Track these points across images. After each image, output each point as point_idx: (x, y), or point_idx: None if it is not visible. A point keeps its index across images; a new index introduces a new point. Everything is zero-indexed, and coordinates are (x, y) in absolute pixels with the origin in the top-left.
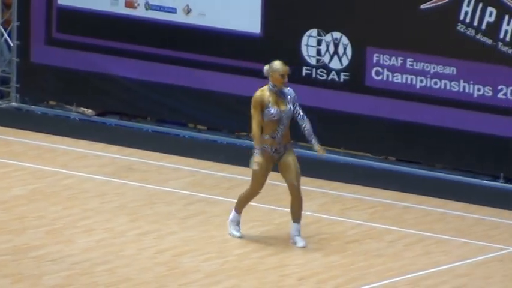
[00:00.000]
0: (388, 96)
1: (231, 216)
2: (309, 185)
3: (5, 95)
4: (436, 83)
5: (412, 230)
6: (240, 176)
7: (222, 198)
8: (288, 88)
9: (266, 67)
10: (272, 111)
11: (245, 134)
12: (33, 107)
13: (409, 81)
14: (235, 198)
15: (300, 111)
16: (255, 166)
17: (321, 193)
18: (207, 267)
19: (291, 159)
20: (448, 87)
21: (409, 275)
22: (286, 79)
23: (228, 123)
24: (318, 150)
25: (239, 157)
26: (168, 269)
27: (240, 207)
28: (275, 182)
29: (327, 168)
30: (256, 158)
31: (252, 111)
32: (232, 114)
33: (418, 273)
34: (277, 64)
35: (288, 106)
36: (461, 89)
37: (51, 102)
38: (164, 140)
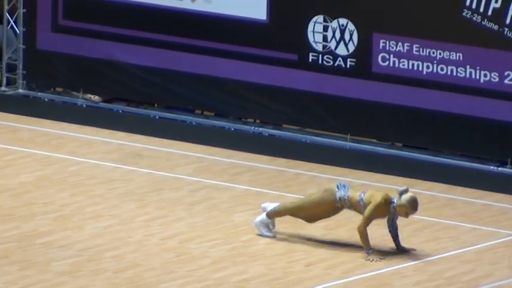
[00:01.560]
0: (394, 82)
1: (260, 218)
2: (316, 171)
3: (12, 82)
4: (442, 69)
5: (420, 215)
6: (247, 162)
7: (229, 184)
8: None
9: (403, 189)
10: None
11: (252, 120)
12: (40, 93)
13: (415, 67)
14: (243, 184)
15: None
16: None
17: (326, 179)
18: (214, 253)
19: None
20: (454, 73)
21: (417, 261)
22: (408, 217)
23: (235, 110)
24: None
25: (246, 143)
26: (176, 255)
27: (275, 216)
28: (283, 168)
29: (334, 155)
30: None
31: (369, 213)
32: (239, 101)
33: (426, 259)
34: (413, 202)
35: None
36: (467, 75)
37: (58, 89)
38: (171, 126)
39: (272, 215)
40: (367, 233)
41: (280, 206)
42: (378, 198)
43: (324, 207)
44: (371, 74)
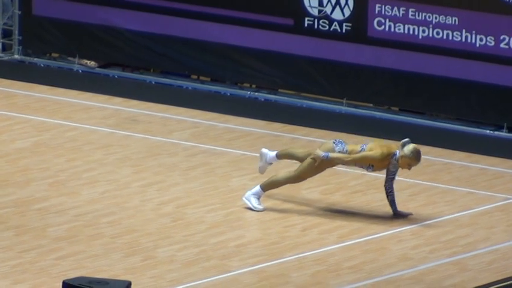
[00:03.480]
0: (390, 47)
1: (253, 190)
2: (314, 136)
3: (8, 48)
4: (438, 33)
5: (416, 180)
6: (243, 127)
7: (225, 149)
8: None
9: (405, 141)
10: (370, 170)
11: (248, 85)
12: (36, 59)
13: (411, 32)
14: (239, 149)
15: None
16: (322, 153)
17: (322, 143)
18: (211, 219)
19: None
20: (450, 37)
21: (413, 225)
22: (410, 169)
23: (231, 75)
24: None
25: (242, 108)
26: (172, 220)
27: (269, 188)
28: (279, 133)
29: (331, 119)
30: (331, 154)
31: (363, 154)
32: (235, 66)
33: (422, 223)
34: (415, 152)
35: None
36: (463, 39)
37: (54, 55)
38: (167, 91)
39: (267, 187)
40: (343, 163)
41: (274, 178)
42: (379, 151)
43: (322, 166)
44: (367, 39)
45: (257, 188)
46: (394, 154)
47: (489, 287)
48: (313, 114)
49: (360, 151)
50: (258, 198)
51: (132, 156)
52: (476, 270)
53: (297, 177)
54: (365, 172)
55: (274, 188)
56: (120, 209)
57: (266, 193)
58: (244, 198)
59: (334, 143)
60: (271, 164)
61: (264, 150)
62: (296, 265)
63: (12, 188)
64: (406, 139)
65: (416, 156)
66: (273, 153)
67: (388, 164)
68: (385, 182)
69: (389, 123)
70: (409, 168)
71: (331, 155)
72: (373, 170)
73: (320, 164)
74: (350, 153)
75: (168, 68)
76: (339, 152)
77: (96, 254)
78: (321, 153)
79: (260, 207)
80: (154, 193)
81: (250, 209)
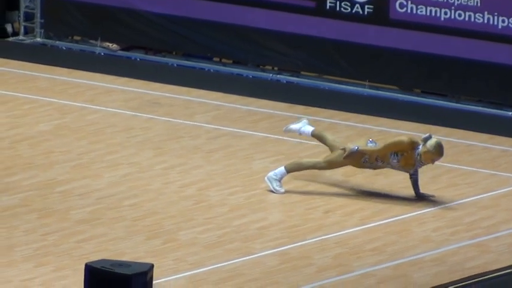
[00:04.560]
0: (412, 29)
1: (276, 171)
2: (335, 118)
3: (30, 31)
4: (460, 15)
5: (438, 162)
6: (265, 109)
7: (247, 132)
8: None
9: (427, 136)
10: (395, 162)
11: (270, 67)
12: (58, 42)
13: (433, 14)
14: (261, 132)
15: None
16: (352, 146)
17: (346, 126)
18: (233, 201)
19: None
20: (472, 19)
21: (435, 207)
22: (433, 163)
23: (253, 57)
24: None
25: (264, 90)
26: (194, 202)
27: (293, 170)
28: (301, 115)
29: (352, 102)
30: (360, 147)
31: (392, 140)
32: (257, 48)
33: (444, 206)
34: (438, 147)
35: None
36: (485, 21)
37: (76, 38)
38: (189, 74)
39: (291, 169)
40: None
41: (299, 161)
42: (404, 138)
43: (349, 160)
44: (389, 21)
45: (281, 168)
46: (418, 147)
47: (511, 269)
48: (335, 97)
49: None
50: (280, 180)
51: (154, 139)
52: (498, 252)
53: (323, 166)
54: None
55: (298, 171)
56: (142, 192)
57: (286, 179)
58: (266, 179)
59: (367, 140)
60: (299, 134)
61: (306, 120)
62: (318, 247)
63: (35, 170)
64: (427, 134)
65: (439, 151)
66: (310, 129)
67: (414, 158)
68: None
69: (411, 105)
70: (432, 163)
71: (361, 147)
72: (399, 163)
73: (348, 156)
74: (378, 146)
75: (190, 50)
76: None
77: (118, 236)
78: (351, 146)
79: (281, 189)
80: (176, 176)
81: (271, 191)
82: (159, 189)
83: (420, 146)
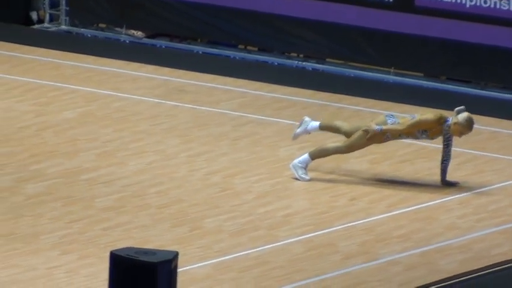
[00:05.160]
0: (437, 16)
1: (301, 159)
2: (361, 105)
3: (55, 18)
4: (485, 2)
5: (464, 149)
6: (291, 97)
7: (273, 119)
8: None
9: (460, 108)
10: (423, 136)
11: (295, 54)
12: (83, 30)
13: (458, 0)
14: (286, 119)
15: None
16: (375, 127)
17: (370, 113)
18: (259, 188)
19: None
20: (498, 6)
21: (461, 194)
22: (461, 137)
23: (279, 44)
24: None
25: (290, 77)
26: (220, 190)
27: (317, 156)
28: (326, 102)
29: (378, 88)
30: (384, 126)
31: (417, 119)
32: (283, 35)
33: (470, 193)
34: (469, 121)
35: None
36: (511, 8)
37: (101, 25)
38: (215, 61)
39: (315, 155)
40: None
41: (323, 147)
42: (432, 115)
43: (373, 140)
44: (414, 8)
45: (305, 156)
46: (447, 120)
47: None
48: (361, 84)
49: (410, 119)
50: (305, 168)
51: (179, 127)
52: None
53: (347, 149)
54: (413, 141)
55: (322, 157)
56: (168, 180)
57: (313, 163)
58: (291, 166)
59: (386, 116)
60: (309, 133)
61: (307, 118)
62: (344, 234)
63: (61, 158)
64: (462, 107)
65: (469, 125)
66: (316, 123)
67: (442, 130)
68: (442, 150)
69: (436, 92)
70: (460, 136)
71: (385, 127)
72: (427, 137)
73: (371, 137)
74: (402, 124)
75: (215, 37)
76: (391, 124)
77: (143, 224)
78: (374, 126)
79: (306, 177)
80: (201, 163)
81: (297, 178)
82: (184, 176)
83: (450, 119)
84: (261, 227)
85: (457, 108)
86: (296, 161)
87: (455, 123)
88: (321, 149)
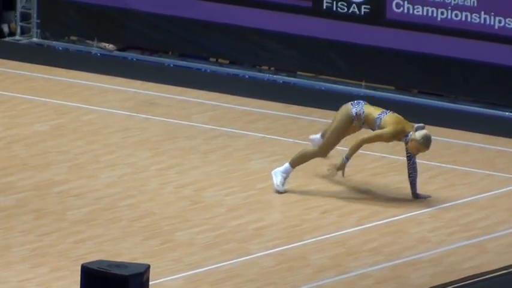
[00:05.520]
0: (409, 29)
1: (282, 168)
2: (331, 118)
3: (26, 31)
4: (456, 15)
5: (435, 162)
6: (262, 110)
7: (244, 132)
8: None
9: (419, 125)
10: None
11: (266, 67)
12: (54, 42)
13: (429, 14)
14: (257, 132)
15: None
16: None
17: None
18: (230, 201)
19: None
20: (469, 19)
21: (432, 208)
22: (416, 154)
23: (249, 57)
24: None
25: (261, 90)
26: (191, 203)
27: (298, 163)
28: (298, 115)
29: (348, 101)
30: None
31: (376, 133)
32: (254, 48)
33: (441, 206)
34: (426, 139)
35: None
36: (482, 21)
37: (73, 38)
38: (186, 74)
39: (295, 162)
40: (359, 148)
41: (302, 153)
42: (392, 128)
43: (343, 130)
44: (385, 21)
45: (286, 165)
46: (407, 135)
47: (509, 269)
48: (332, 97)
49: (376, 118)
50: (285, 178)
51: (150, 139)
52: (496, 252)
53: (324, 148)
54: (384, 155)
55: (302, 163)
56: (139, 192)
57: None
58: (272, 173)
59: (351, 104)
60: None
61: (312, 136)
62: (315, 248)
63: (32, 171)
64: (421, 124)
65: (425, 143)
66: (318, 135)
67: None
68: (406, 163)
69: (408, 105)
70: (416, 153)
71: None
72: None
73: (343, 127)
74: (367, 116)
75: (186, 50)
76: (356, 113)
77: (115, 237)
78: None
79: (281, 188)
80: (173, 176)
81: (275, 187)
82: (156, 189)
83: (410, 134)
84: (233, 240)
85: (416, 125)
86: (277, 169)
87: (412, 140)
88: (299, 155)
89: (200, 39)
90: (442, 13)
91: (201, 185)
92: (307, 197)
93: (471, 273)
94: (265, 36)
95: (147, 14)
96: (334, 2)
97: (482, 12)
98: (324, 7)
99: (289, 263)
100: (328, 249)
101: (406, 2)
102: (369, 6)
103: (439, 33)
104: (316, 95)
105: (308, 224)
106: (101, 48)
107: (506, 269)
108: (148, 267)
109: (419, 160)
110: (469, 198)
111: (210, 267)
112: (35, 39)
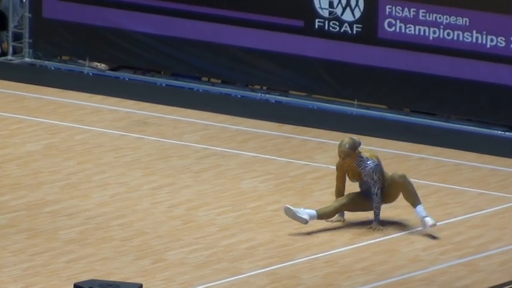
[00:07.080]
0: (401, 48)
1: (310, 213)
2: (324, 138)
3: (18, 51)
4: (448, 34)
5: (427, 181)
6: (254, 129)
7: (236, 152)
8: (369, 162)
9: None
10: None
11: (259, 87)
12: (46, 62)
13: (421, 33)
14: (250, 151)
15: (375, 188)
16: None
17: (334, 145)
18: (222, 221)
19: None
20: (460, 38)
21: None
22: (342, 159)
23: (242, 76)
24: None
25: (253, 110)
26: (183, 222)
27: (326, 217)
28: (290, 134)
29: (341, 121)
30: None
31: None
32: (246, 67)
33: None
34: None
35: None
36: (474, 40)
37: (65, 58)
38: (178, 93)
39: (324, 216)
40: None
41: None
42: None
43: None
44: (377, 40)
45: (313, 211)
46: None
47: None
48: (324, 116)
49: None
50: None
51: (142, 159)
52: (488, 271)
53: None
54: None
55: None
56: (131, 212)
57: (276, 196)
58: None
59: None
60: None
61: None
62: (307, 267)
63: (24, 191)
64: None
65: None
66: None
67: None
68: None
69: (400, 124)
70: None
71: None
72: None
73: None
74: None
75: (178, 70)
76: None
77: (107, 256)
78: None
79: (305, 217)
80: (165, 195)
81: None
82: (148, 209)
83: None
84: (225, 259)
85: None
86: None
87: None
88: (326, 210)
89: (192, 58)
90: (434, 32)
91: (193, 204)
92: None
93: None
94: (258, 56)
95: (139, 33)
96: (326, 22)
97: (474, 31)
98: (316, 26)
99: (281, 282)
100: (320, 268)
101: (398, 21)
102: (361, 26)
103: (431, 52)
104: (308, 114)
105: (300, 243)
106: (93, 68)
107: None
108: (140, 286)
109: (411, 179)
110: (461, 217)
111: (202, 286)
112: (27, 59)
